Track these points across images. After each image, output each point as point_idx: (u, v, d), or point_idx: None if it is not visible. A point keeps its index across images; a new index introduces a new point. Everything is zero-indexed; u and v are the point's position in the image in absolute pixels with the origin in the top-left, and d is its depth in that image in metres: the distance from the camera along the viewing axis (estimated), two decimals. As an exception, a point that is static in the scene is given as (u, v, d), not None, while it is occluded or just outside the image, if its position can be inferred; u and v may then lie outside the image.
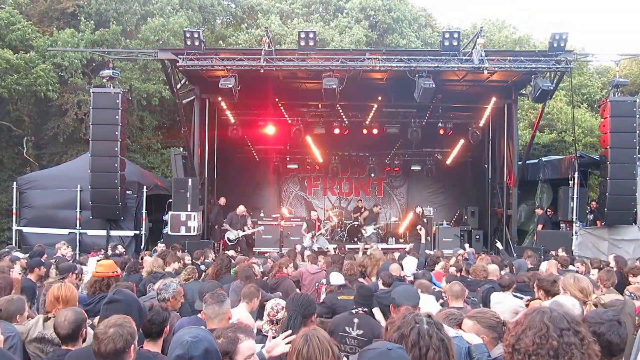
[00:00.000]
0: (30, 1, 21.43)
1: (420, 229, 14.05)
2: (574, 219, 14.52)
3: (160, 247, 12.94)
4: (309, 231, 16.22)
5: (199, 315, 5.06)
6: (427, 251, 11.90)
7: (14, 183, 15.61)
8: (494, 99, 16.86)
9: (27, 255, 9.90)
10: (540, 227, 15.90)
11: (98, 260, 7.67)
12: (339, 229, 18.47)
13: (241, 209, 15.91)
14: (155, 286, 6.27)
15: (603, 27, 61.05)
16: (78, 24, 20.46)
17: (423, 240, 13.29)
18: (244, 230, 15.67)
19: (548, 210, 16.31)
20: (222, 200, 17.05)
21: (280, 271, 8.48)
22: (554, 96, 17.20)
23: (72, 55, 18.96)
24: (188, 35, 13.36)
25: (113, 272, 6.03)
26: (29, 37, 18.96)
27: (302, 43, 13.32)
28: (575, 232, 14.38)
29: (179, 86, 15.38)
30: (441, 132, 17.80)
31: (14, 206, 15.26)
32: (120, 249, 12.26)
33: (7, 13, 18.76)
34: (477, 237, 17.59)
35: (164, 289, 5.64)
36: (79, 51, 18.64)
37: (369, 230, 17.40)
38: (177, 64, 13.71)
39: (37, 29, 19.91)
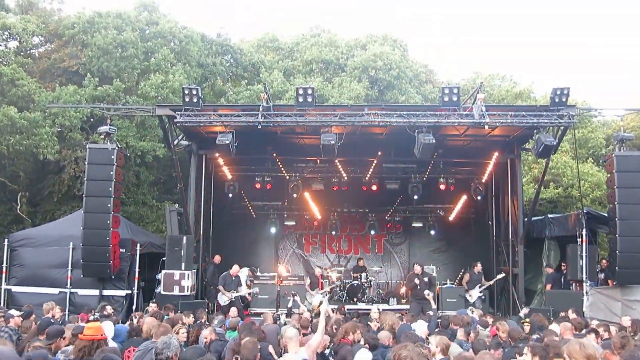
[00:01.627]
0: (32, 60, 21.62)
1: (429, 294, 13.46)
2: (584, 278, 13.88)
3: (152, 307, 12.37)
4: (312, 287, 15.65)
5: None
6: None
7: (6, 240, 15.20)
8: (496, 154, 16.66)
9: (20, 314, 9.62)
10: (549, 286, 15.22)
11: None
12: (338, 289, 17.83)
13: (235, 269, 15.24)
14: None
15: (606, 77, 61.78)
16: (80, 80, 20.59)
17: (433, 305, 12.77)
18: (237, 291, 15.06)
19: (562, 266, 15.66)
20: (217, 259, 16.53)
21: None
22: (558, 150, 16.95)
23: (73, 115, 18.96)
24: (187, 92, 13.30)
25: (101, 335, 5.80)
26: (32, 93, 19.01)
27: (301, 99, 13.19)
28: (586, 292, 13.72)
29: (176, 142, 15.22)
30: (442, 187, 17.51)
31: (4, 264, 14.78)
32: (109, 309, 11.66)
33: (12, 70, 18.86)
34: (483, 297, 16.93)
35: (166, 348, 5.33)
36: (79, 107, 18.64)
37: (474, 294, 15.66)
38: (175, 120, 13.58)
39: (39, 85, 19.99)
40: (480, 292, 15.73)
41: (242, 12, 65.78)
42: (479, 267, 16.20)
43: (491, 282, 16.24)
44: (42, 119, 18.50)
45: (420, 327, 8.88)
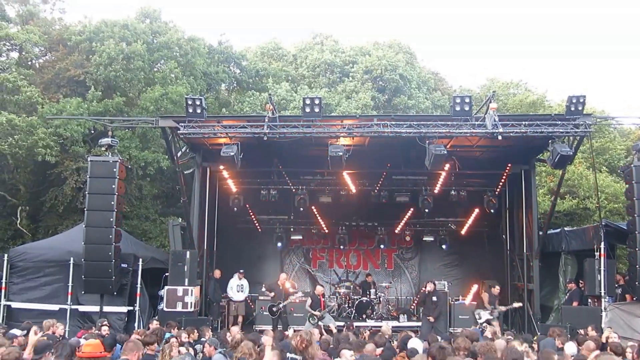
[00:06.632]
0: (35, 72, 21.42)
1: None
2: (602, 294, 13.34)
3: (155, 324, 11.99)
4: (313, 307, 15.21)
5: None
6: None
7: (5, 255, 14.88)
8: (509, 165, 16.18)
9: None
10: (576, 303, 14.45)
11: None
12: (346, 305, 17.32)
13: (283, 277, 15.96)
14: None
15: (624, 86, 60.95)
16: (85, 91, 20.38)
17: None
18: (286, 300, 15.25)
19: (580, 283, 15.03)
20: (217, 273, 16.31)
21: None
22: (573, 161, 16.47)
23: (74, 128, 18.74)
24: (190, 102, 12.96)
25: (101, 352, 5.64)
26: (34, 102, 18.81)
27: (308, 109, 12.85)
28: (605, 308, 13.19)
29: (179, 154, 14.91)
30: (454, 200, 17.09)
31: (3, 280, 14.47)
32: (105, 329, 11.24)
33: (14, 78, 18.70)
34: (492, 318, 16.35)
35: None
36: (81, 119, 18.43)
37: (483, 315, 14.47)
38: (178, 131, 13.27)
39: (42, 95, 19.80)
40: (490, 314, 14.61)
41: (243, 19, 66.10)
42: (496, 289, 15.17)
43: (503, 309, 15.12)
44: (39, 122, 18.33)
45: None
